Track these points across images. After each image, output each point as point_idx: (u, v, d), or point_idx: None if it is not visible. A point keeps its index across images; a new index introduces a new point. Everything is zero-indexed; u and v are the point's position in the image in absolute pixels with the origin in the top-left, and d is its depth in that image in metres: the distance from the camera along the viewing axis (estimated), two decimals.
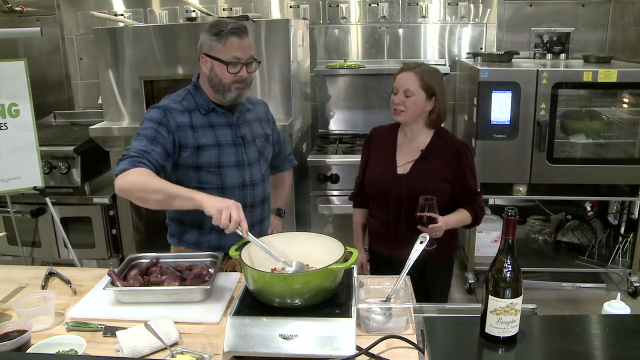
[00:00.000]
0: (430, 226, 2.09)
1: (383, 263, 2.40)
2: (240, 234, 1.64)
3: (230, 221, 1.62)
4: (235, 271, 2.06)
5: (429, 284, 2.32)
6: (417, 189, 2.17)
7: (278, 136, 2.36)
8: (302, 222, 3.60)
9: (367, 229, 2.51)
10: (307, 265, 1.69)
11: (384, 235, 2.36)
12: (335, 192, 3.56)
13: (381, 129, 2.43)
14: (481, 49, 4.10)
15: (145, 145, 1.89)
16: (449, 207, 2.25)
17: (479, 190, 2.34)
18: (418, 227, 2.10)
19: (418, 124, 2.27)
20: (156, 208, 1.90)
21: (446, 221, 2.14)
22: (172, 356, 1.45)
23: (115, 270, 1.82)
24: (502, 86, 3.29)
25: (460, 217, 2.26)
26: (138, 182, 1.80)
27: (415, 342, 1.51)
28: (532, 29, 4.06)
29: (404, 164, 2.28)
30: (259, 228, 2.18)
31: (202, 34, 1.99)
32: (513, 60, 3.72)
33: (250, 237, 1.65)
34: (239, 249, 1.64)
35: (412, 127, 2.28)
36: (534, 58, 4.07)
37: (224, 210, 1.62)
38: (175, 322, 1.59)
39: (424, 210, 2.08)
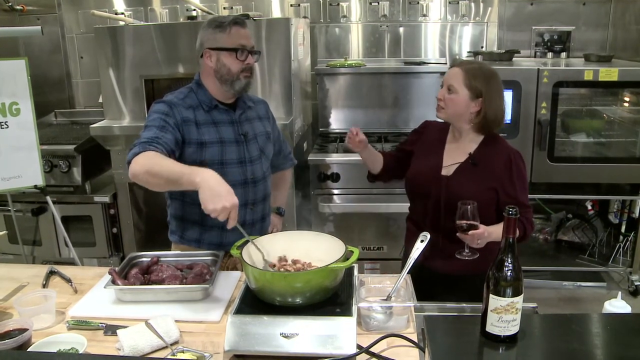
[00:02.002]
0: (470, 232, 1.91)
1: (421, 272, 1.96)
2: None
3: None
4: (236, 269, 2.06)
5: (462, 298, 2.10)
6: (459, 194, 2.01)
7: (278, 135, 2.36)
8: (302, 221, 3.60)
9: (406, 233, 2.33)
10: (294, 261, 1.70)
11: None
12: (336, 191, 3.56)
13: (434, 123, 2.29)
14: (482, 47, 4.09)
15: (155, 132, 1.89)
16: (493, 218, 2.04)
17: (528, 203, 2.11)
18: (457, 234, 1.95)
19: (464, 125, 2.11)
20: (168, 189, 1.88)
21: (489, 231, 1.93)
22: (173, 355, 1.45)
23: (116, 268, 1.83)
24: (502, 85, 3.27)
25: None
26: (148, 166, 1.77)
27: (415, 340, 1.51)
28: (533, 27, 4.05)
29: (449, 165, 2.14)
30: (260, 226, 2.19)
31: (201, 31, 2.02)
32: (514, 59, 3.71)
33: (238, 226, 1.65)
34: (240, 247, 1.64)
35: (459, 128, 2.14)
36: (535, 57, 4.06)
37: (220, 215, 1.60)
38: (176, 321, 1.59)
39: (463, 215, 1.92)
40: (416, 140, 2.30)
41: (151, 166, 1.77)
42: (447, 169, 2.13)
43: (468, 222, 1.91)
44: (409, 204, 2.33)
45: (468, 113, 2.07)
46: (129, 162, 1.82)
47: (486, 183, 2.07)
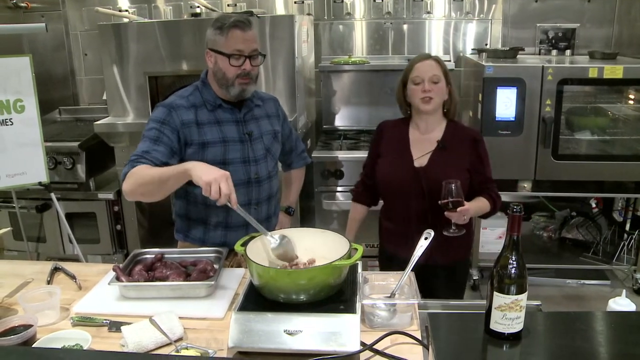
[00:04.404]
0: (458, 209, 2.00)
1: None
2: (230, 205, 1.65)
3: (220, 195, 1.61)
4: (240, 267, 2.06)
5: (443, 287, 2.26)
6: (440, 180, 2.06)
7: (290, 133, 2.34)
8: (306, 218, 3.61)
9: (382, 232, 2.42)
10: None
11: (405, 238, 2.18)
12: (340, 188, 3.56)
13: (390, 123, 2.36)
14: (486, 45, 4.08)
15: (147, 146, 1.92)
16: (467, 197, 2.15)
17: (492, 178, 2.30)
18: (445, 213, 2.04)
19: (436, 114, 2.23)
20: (162, 197, 1.90)
21: (471, 207, 2.07)
22: (177, 351, 1.46)
23: (120, 265, 1.83)
24: (507, 82, 3.27)
25: (480, 204, 2.19)
26: (136, 180, 1.83)
27: (419, 338, 1.51)
28: (538, 24, 4.04)
29: (420, 157, 2.21)
30: (265, 226, 2.15)
31: (208, 29, 2.00)
32: (518, 56, 3.70)
33: (239, 209, 1.67)
34: (245, 244, 1.64)
35: (428, 119, 2.23)
36: (539, 54, 4.05)
37: (212, 183, 1.61)
38: (180, 318, 1.59)
39: (449, 193, 2.00)
40: (379, 144, 2.34)
41: (139, 178, 1.82)
42: (420, 161, 2.21)
43: (454, 200, 2.00)
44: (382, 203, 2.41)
45: (444, 99, 2.21)
46: (122, 182, 1.87)
47: (460, 164, 2.19)
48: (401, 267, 2.02)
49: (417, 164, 2.20)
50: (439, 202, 2.03)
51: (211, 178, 1.62)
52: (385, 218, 2.38)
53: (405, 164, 2.21)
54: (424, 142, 2.23)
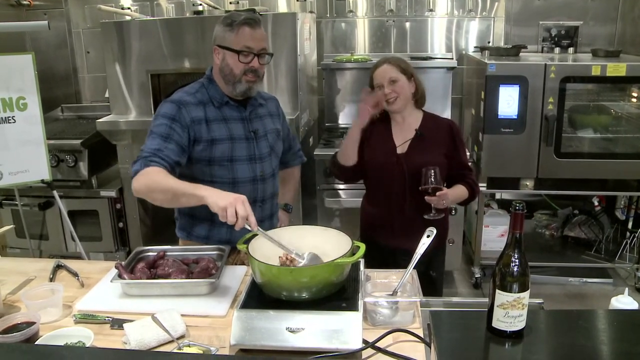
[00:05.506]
0: (438, 193, 2.14)
1: (387, 256, 2.30)
2: (249, 228, 1.61)
3: (237, 217, 1.58)
4: (244, 264, 2.06)
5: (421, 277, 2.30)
6: (419, 166, 2.22)
7: (288, 132, 2.35)
8: (308, 216, 3.60)
9: (364, 218, 2.51)
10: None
11: (386, 223, 2.37)
12: (341, 186, 3.56)
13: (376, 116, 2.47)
14: (489, 42, 4.08)
15: (158, 143, 1.89)
16: (445, 184, 2.31)
17: (470, 165, 2.44)
18: (425, 198, 2.17)
19: (408, 108, 2.38)
20: (170, 207, 1.90)
21: (450, 193, 2.21)
22: (179, 349, 1.46)
23: (123, 263, 1.83)
24: (509, 80, 3.27)
25: (458, 191, 2.33)
26: (148, 183, 1.82)
27: (421, 336, 1.51)
28: (540, 22, 4.04)
29: (401, 144, 2.35)
30: (268, 223, 2.18)
31: (216, 26, 2.00)
32: (521, 54, 3.70)
33: (260, 230, 1.63)
34: (247, 241, 1.64)
35: (403, 113, 2.37)
36: (542, 52, 4.04)
37: (228, 207, 1.58)
38: (182, 315, 1.59)
39: (429, 179, 2.14)
40: (364, 131, 2.40)
41: (152, 183, 1.81)
42: (401, 148, 2.36)
43: (433, 186, 2.15)
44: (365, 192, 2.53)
45: (411, 94, 2.35)
46: (132, 178, 1.86)
47: (437, 151, 2.33)
48: (381, 254, 2.28)
49: (398, 150, 2.35)
50: (420, 187, 2.18)
51: (227, 202, 1.60)
52: (368, 203, 2.49)
53: (388, 150, 2.36)
54: (404, 131, 2.38)
